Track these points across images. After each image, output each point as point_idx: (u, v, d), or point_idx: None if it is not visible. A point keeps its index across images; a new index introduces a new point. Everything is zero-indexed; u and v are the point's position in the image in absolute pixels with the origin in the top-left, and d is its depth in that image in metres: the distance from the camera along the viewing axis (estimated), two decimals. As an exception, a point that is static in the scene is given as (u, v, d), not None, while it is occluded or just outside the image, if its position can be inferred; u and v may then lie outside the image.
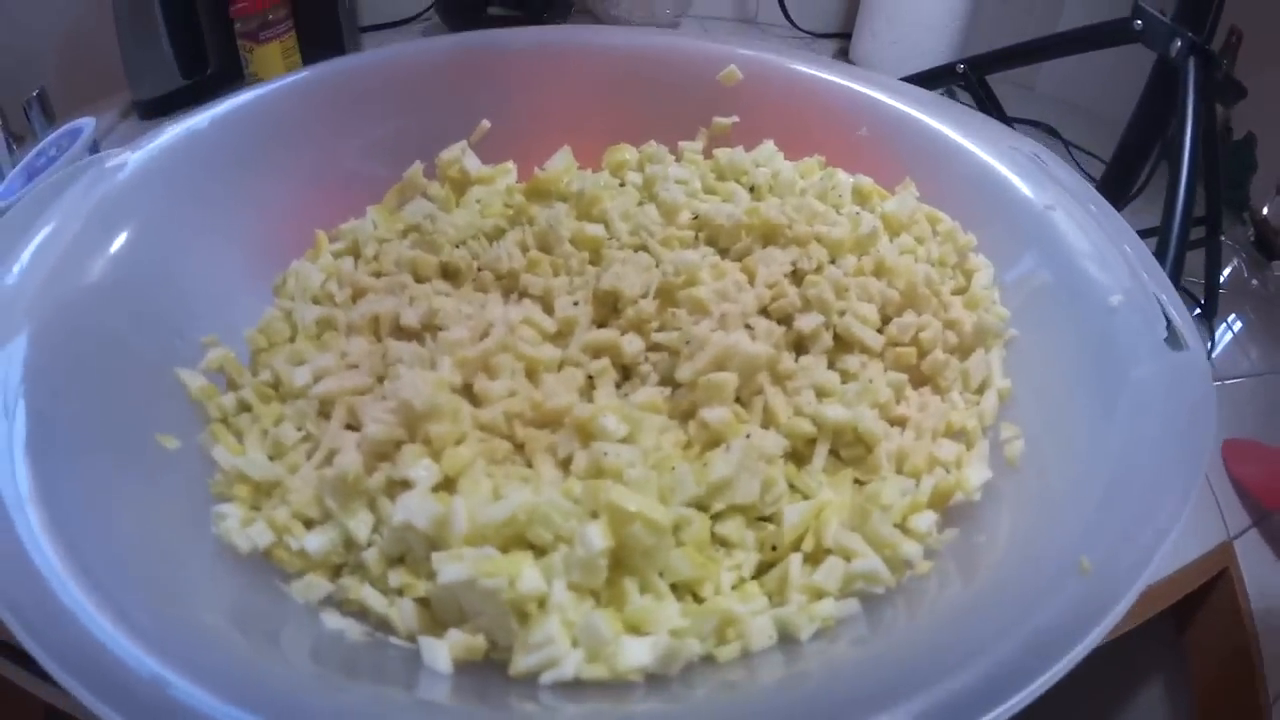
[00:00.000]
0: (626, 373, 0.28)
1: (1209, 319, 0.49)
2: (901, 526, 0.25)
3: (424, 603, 0.22)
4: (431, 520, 0.21)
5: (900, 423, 0.28)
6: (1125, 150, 0.49)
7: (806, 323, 0.28)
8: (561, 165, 0.37)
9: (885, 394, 0.27)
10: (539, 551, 0.22)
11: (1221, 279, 0.52)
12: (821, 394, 0.27)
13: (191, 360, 0.29)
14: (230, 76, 0.55)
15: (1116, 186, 0.49)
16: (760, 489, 0.24)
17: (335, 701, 0.19)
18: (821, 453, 0.26)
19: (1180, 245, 0.39)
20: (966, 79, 0.52)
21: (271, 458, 0.26)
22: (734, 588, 0.23)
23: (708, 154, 0.38)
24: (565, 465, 0.25)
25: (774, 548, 0.24)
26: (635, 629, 0.21)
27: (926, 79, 0.54)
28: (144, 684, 0.17)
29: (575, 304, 0.29)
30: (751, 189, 0.35)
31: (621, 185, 0.36)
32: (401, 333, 0.29)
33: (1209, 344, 0.49)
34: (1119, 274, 0.29)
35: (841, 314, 0.29)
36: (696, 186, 0.35)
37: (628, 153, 0.37)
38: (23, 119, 0.50)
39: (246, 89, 0.35)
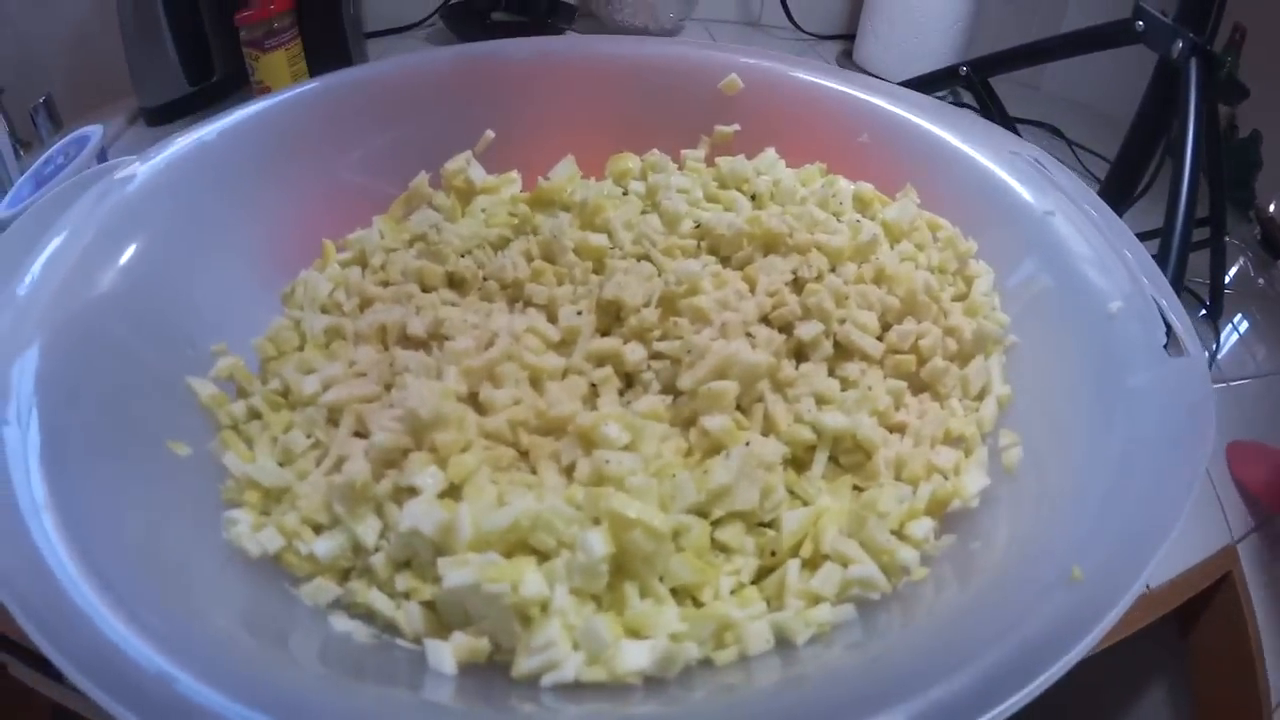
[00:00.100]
0: (629, 381, 0.29)
1: (1215, 320, 0.49)
2: (899, 533, 0.25)
3: (429, 606, 0.23)
4: (437, 526, 0.22)
5: (899, 429, 0.28)
6: (1129, 151, 0.49)
7: (806, 331, 0.28)
8: (565, 174, 0.37)
9: (884, 401, 0.28)
10: (542, 557, 0.22)
11: (1227, 279, 0.52)
12: (821, 401, 0.27)
13: (202, 369, 0.29)
14: (236, 83, 0.55)
15: (1120, 187, 0.49)
16: (760, 496, 0.24)
17: (342, 701, 0.19)
18: (821, 460, 0.27)
19: (1183, 246, 0.39)
20: (969, 81, 0.52)
21: (281, 464, 0.27)
22: (733, 593, 0.24)
23: (710, 162, 0.38)
24: (569, 472, 0.25)
25: (773, 553, 0.25)
26: (635, 633, 0.21)
27: (929, 81, 0.54)
28: (154, 682, 0.18)
29: (579, 313, 0.29)
30: (753, 197, 0.35)
31: (624, 194, 0.37)
32: (408, 341, 0.30)
33: (1214, 345, 0.48)
34: (1119, 280, 0.29)
35: (842, 322, 0.29)
36: (698, 195, 0.35)
37: (630, 161, 0.38)
38: (30, 126, 0.51)
39: (253, 101, 0.36)
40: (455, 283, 0.33)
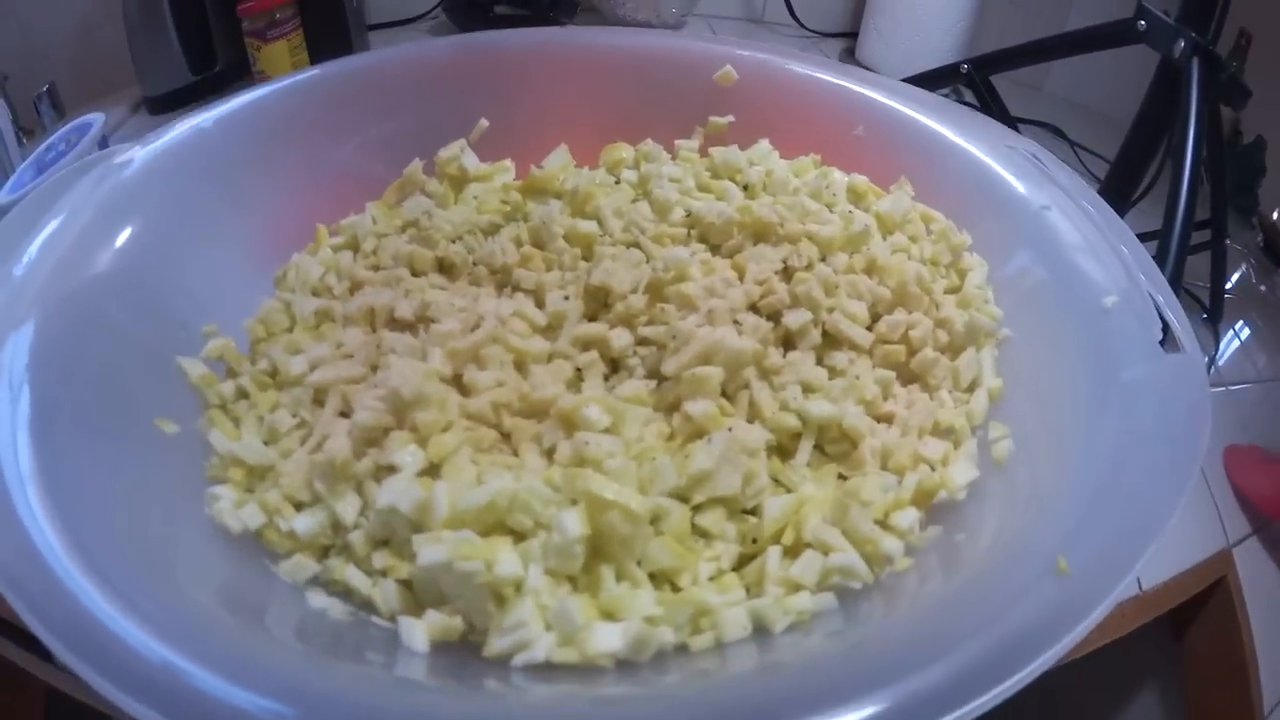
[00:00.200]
0: (615, 366, 0.29)
1: (1214, 324, 0.48)
2: (883, 523, 0.25)
3: (406, 584, 0.23)
4: (414, 504, 0.22)
5: (887, 419, 0.28)
6: (1129, 151, 0.49)
7: (794, 319, 0.28)
8: (558, 163, 0.37)
9: (872, 390, 0.27)
10: (519, 538, 0.22)
11: (1230, 284, 0.52)
12: (808, 389, 0.27)
13: (193, 349, 0.29)
14: (239, 73, 0.56)
15: (1120, 188, 0.49)
16: (742, 481, 0.24)
17: (317, 678, 0.19)
18: (806, 448, 0.26)
19: (1181, 247, 0.38)
20: (970, 79, 0.51)
21: (266, 443, 0.27)
22: (712, 579, 0.23)
23: (703, 153, 0.38)
24: (550, 455, 0.25)
25: (754, 540, 0.24)
26: (610, 615, 0.21)
27: (930, 79, 0.54)
28: (134, 655, 0.18)
29: (566, 298, 0.29)
30: (745, 187, 0.35)
31: (617, 183, 0.37)
32: (396, 324, 0.30)
33: (1214, 349, 0.48)
34: (1115, 275, 0.28)
35: (830, 311, 0.29)
36: (690, 185, 0.35)
37: (624, 151, 0.38)
38: (33, 114, 0.51)
39: (251, 88, 0.36)
40: (445, 268, 0.33)
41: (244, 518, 0.24)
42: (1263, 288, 0.55)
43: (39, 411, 0.23)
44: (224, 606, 0.22)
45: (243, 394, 0.29)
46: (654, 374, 0.27)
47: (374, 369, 0.27)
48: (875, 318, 0.30)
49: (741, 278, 0.30)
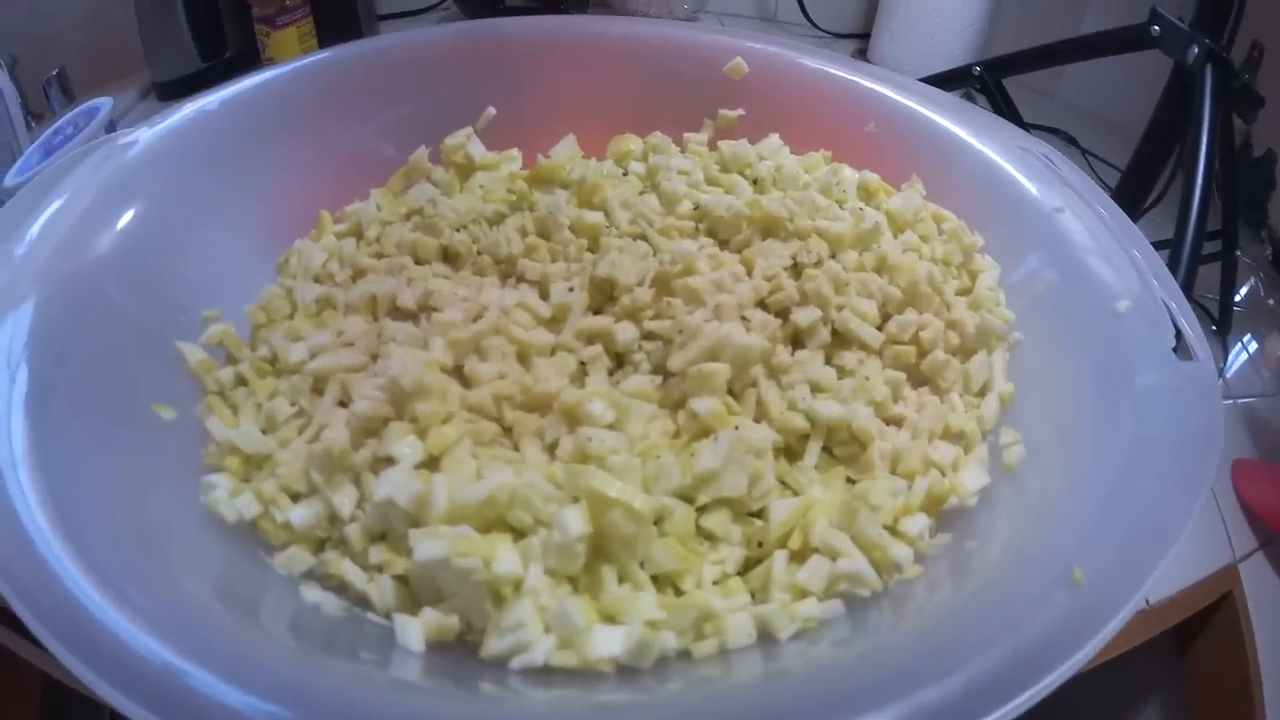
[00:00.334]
0: (620, 361, 0.28)
1: (1223, 336, 0.48)
2: (892, 529, 0.24)
3: (403, 581, 0.22)
4: (412, 497, 0.21)
5: (896, 422, 0.27)
6: (1141, 159, 0.48)
7: (804, 316, 0.28)
8: (566, 153, 0.37)
9: (882, 392, 0.27)
10: (519, 535, 0.22)
11: (1238, 297, 0.51)
12: (816, 389, 0.27)
13: (194, 334, 0.29)
14: (249, 60, 0.55)
15: (1131, 196, 0.48)
16: (748, 483, 0.23)
17: (310, 674, 0.19)
18: (814, 449, 0.26)
19: (1193, 255, 0.38)
20: (982, 82, 0.51)
21: (264, 431, 0.26)
22: (716, 583, 0.23)
23: (713, 146, 0.37)
24: (552, 450, 0.24)
25: (760, 544, 0.24)
26: (610, 618, 0.21)
27: (942, 81, 0.53)
28: (123, 648, 0.18)
29: (571, 290, 0.29)
30: (754, 182, 0.35)
31: (625, 174, 0.36)
32: (398, 313, 0.29)
33: (1223, 362, 0.48)
34: (1128, 279, 0.28)
35: (840, 309, 0.28)
36: (699, 178, 0.35)
37: (632, 143, 0.37)
38: (42, 98, 0.51)
39: (257, 71, 0.36)
40: (449, 257, 0.32)
41: (239, 507, 0.24)
42: (1271, 301, 0.54)
43: (35, 392, 0.23)
44: (217, 598, 0.21)
45: (241, 381, 0.29)
46: (659, 369, 0.27)
47: (374, 358, 0.27)
48: (885, 317, 0.29)
49: (750, 273, 0.29)
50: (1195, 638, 0.38)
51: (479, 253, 0.32)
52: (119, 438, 0.24)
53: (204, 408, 0.27)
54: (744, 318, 0.27)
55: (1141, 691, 0.42)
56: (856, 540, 0.23)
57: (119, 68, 0.55)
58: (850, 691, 0.18)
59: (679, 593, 0.22)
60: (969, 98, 0.55)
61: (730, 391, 0.26)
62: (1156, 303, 0.27)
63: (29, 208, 0.28)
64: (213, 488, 0.24)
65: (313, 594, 0.22)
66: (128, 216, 0.29)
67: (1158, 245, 0.30)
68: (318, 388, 0.27)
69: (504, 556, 0.20)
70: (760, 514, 0.25)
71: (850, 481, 0.26)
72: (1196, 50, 0.41)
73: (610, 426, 0.24)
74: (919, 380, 0.29)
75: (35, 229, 0.27)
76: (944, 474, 0.26)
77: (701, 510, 0.24)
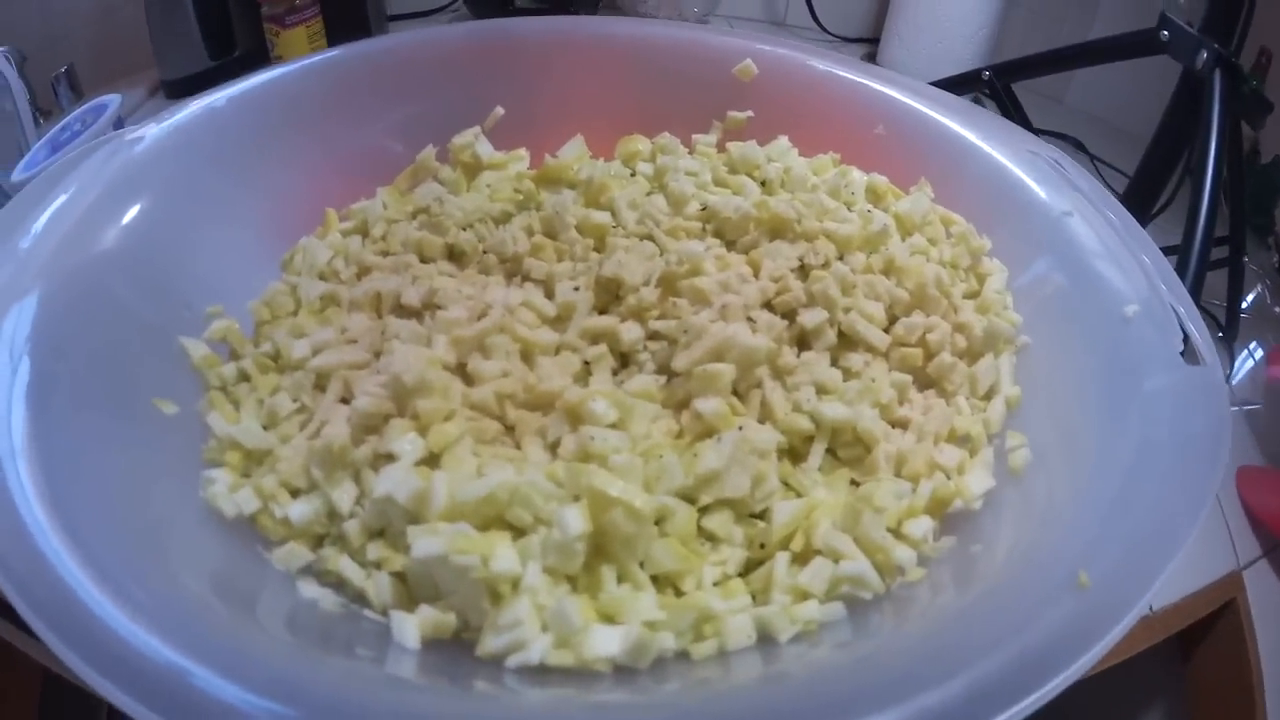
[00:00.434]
0: (625, 361, 0.28)
1: (1230, 343, 0.47)
2: (896, 531, 0.24)
3: (401, 578, 0.22)
4: (411, 494, 0.21)
5: (902, 425, 0.27)
6: (1149, 164, 0.48)
7: (810, 318, 0.27)
8: (573, 153, 0.37)
9: (888, 394, 0.27)
10: (519, 534, 0.22)
11: (1245, 304, 0.51)
12: (822, 391, 0.27)
13: (198, 330, 0.29)
14: (258, 59, 0.55)
15: (1140, 202, 0.48)
16: (751, 484, 0.23)
17: (306, 670, 0.18)
18: (818, 451, 0.26)
19: (1201, 259, 0.38)
20: (991, 86, 0.51)
21: (265, 427, 0.26)
22: (717, 584, 0.23)
23: (721, 148, 0.37)
24: (554, 449, 0.24)
25: (762, 545, 0.24)
26: (609, 618, 0.20)
27: (951, 85, 0.53)
28: (119, 641, 0.17)
29: (576, 289, 0.28)
30: (763, 183, 0.35)
31: (632, 175, 0.36)
32: (403, 311, 0.29)
33: (1229, 369, 0.47)
34: (1136, 284, 0.28)
35: (847, 311, 0.28)
36: (707, 179, 0.35)
37: (640, 144, 0.37)
38: (51, 95, 0.51)
39: (265, 69, 0.36)
40: (455, 255, 0.32)
41: (239, 502, 0.24)
42: (1278, 309, 0.54)
43: (36, 385, 0.23)
44: (214, 593, 0.21)
45: (244, 376, 0.28)
46: (664, 369, 0.27)
47: (378, 355, 0.27)
48: (892, 320, 0.29)
49: (756, 274, 0.29)
50: (1198, 644, 0.37)
51: (485, 251, 0.32)
52: (120, 431, 0.24)
53: (206, 403, 0.27)
54: (750, 319, 0.27)
55: (1144, 698, 0.41)
56: (859, 542, 0.23)
57: (128, 65, 0.56)
58: (851, 694, 0.18)
59: (679, 593, 0.22)
60: (978, 102, 0.55)
61: (735, 392, 0.26)
62: (1165, 307, 0.27)
63: (35, 202, 0.28)
64: (212, 482, 0.24)
65: (310, 590, 0.22)
66: (134, 212, 0.30)
67: (1165, 251, 0.30)
68: (320, 384, 0.27)
69: (502, 554, 0.20)
70: (763, 515, 0.24)
71: (854, 484, 0.26)
72: (1205, 55, 0.41)
73: (613, 426, 0.24)
74: (925, 383, 0.29)
75: (41, 223, 0.27)
76: (949, 477, 0.26)
77: (703, 511, 0.23)
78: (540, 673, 0.19)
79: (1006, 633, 0.19)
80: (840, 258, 0.30)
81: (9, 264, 0.26)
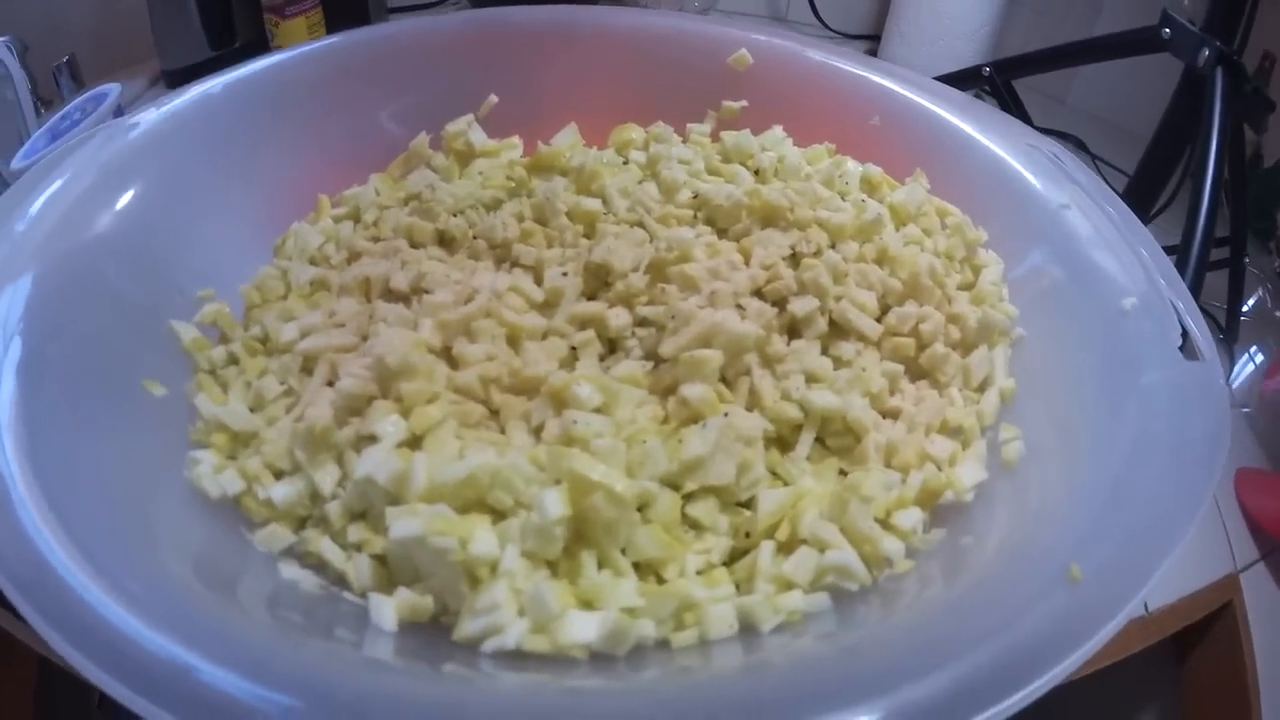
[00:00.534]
0: (612, 347, 0.28)
1: (1230, 345, 0.47)
2: (884, 522, 0.24)
3: (381, 561, 0.22)
4: (392, 475, 0.21)
5: (893, 415, 0.27)
6: (1150, 163, 0.48)
7: (801, 306, 0.27)
8: (567, 141, 0.36)
9: (879, 384, 0.26)
10: (499, 518, 0.21)
11: (1245, 307, 0.51)
12: (812, 380, 0.26)
13: (189, 314, 0.29)
14: (258, 50, 0.55)
15: (1140, 201, 0.48)
16: (736, 471, 0.23)
17: (286, 651, 0.18)
18: (806, 440, 0.25)
19: (1201, 257, 0.37)
20: (992, 83, 0.50)
21: (252, 410, 0.26)
22: (700, 572, 0.22)
23: (715, 137, 0.37)
24: (538, 433, 0.24)
25: (747, 534, 0.23)
26: (588, 604, 0.20)
27: (952, 81, 0.52)
28: (99, 618, 0.17)
29: (564, 274, 0.28)
30: (756, 172, 0.34)
31: (625, 163, 0.36)
32: (391, 295, 0.29)
33: (1229, 371, 0.47)
34: (1134, 277, 0.27)
35: (838, 299, 0.28)
36: (700, 167, 0.34)
37: (634, 132, 0.37)
38: (52, 85, 0.51)
39: (261, 56, 0.36)
40: (445, 241, 0.32)
41: (223, 483, 0.24)
42: (1278, 313, 0.54)
43: (26, 364, 0.23)
44: (196, 573, 0.21)
45: (233, 359, 0.28)
46: (651, 356, 0.26)
47: (365, 339, 0.27)
48: (885, 310, 0.29)
49: (747, 262, 0.29)
50: (1194, 647, 0.37)
51: (475, 237, 0.32)
52: (108, 411, 0.24)
53: (194, 385, 0.27)
54: (739, 306, 0.26)
55: (1139, 699, 0.41)
56: (846, 532, 0.23)
57: (129, 55, 0.56)
58: (834, 685, 0.18)
59: (661, 581, 0.22)
60: (978, 98, 0.55)
61: (723, 380, 0.26)
62: (1163, 301, 0.26)
63: (31, 187, 0.28)
64: (197, 463, 0.24)
65: (291, 571, 0.22)
66: (128, 197, 0.30)
67: (1165, 250, 0.30)
68: (307, 367, 0.27)
69: (481, 537, 0.20)
70: (749, 504, 0.24)
71: (843, 474, 0.25)
72: (1207, 53, 0.41)
73: (598, 411, 0.24)
74: (918, 374, 0.29)
75: (36, 207, 0.27)
76: (940, 468, 0.26)
77: (688, 498, 0.23)
78: (516, 657, 0.19)
79: (995, 627, 0.18)
80: (833, 246, 0.30)
81: (4, 246, 0.26)
